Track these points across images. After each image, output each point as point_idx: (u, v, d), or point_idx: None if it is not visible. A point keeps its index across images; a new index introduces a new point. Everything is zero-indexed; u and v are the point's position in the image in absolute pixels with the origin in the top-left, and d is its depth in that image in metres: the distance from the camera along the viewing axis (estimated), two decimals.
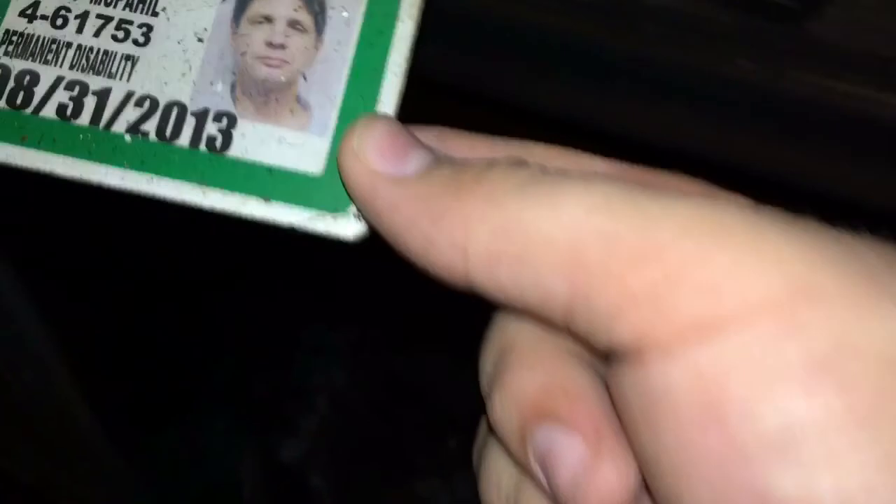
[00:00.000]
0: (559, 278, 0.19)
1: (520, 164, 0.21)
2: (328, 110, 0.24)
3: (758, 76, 0.34)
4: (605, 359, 0.21)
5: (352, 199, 0.23)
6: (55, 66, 0.25)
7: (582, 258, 0.18)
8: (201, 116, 0.24)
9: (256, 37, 0.25)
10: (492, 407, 0.22)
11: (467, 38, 0.37)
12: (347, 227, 0.24)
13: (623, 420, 0.20)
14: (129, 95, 0.24)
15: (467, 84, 0.40)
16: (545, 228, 0.19)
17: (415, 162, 0.22)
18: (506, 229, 0.19)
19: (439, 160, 0.22)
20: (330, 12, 0.25)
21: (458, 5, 0.36)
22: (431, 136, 0.25)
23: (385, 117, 0.23)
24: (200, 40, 0.25)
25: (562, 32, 0.36)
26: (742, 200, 0.24)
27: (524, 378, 0.21)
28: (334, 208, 0.24)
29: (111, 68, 0.25)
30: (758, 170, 0.37)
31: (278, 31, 0.25)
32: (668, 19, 0.34)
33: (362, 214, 0.23)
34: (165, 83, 0.25)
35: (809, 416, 0.16)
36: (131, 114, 0.24)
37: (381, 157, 0.22)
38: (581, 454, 0.20)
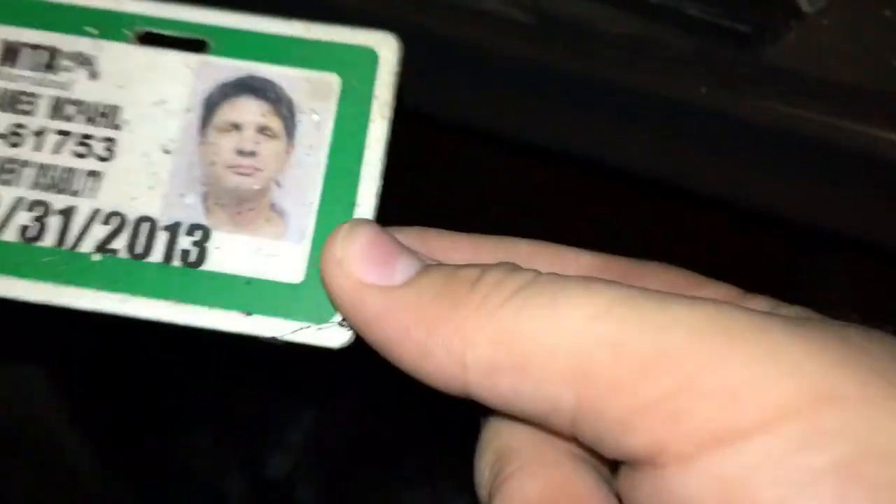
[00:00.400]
0: (564, 389, 0.18)
1: (513, 269, 0.20)
2: (305, 216, 0.24)
3: (718, 102, 0.35)
4: (612, 463, 0.20)
5: (337, 309, 0.22)
6: (15, 186, 0.24)
7: (588, 368, 0.18)
8: (173, 230, 0.23)
9: (225, 145, 0.24)
10: None
11: (436, 65, 0.37)
12: (333, 337, 0.23)
13: None
14: (95, 213, 0.23)
15: (438, 111, 0.40)
16: (547, 338, 0.19)
17: (402, 269, 0.21)
18: (505, 340, 0.19)
19: (427, 266, 0.21)
20: (300, 116, 0.25)
21: (424, 33, 0.36)
22: (413, 237, 0.24)
23: (367, 223, 0.22)
24: (167, 152, 0.24)
25: (521, 58, 0.36)
26: (733, 292, 0.24)
27: (527, 485, 0.21)
28: (318, 318, 0.23)
29: (74, 186, 0.24)
30: (726, 196, 0.38)
31: (247, 139, 0.24)
32: (628, 45, 0.35)
33: (349, 324, 0.22)
34: (133, 198, 0.24)
35: None
36: (99, 232, 0.23)
37: (366, 265, 0.21)
38: None
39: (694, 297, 0.19)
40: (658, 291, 0.19)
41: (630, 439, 0.18)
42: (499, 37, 0.36)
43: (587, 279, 0.19)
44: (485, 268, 0.21)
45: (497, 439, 0.22)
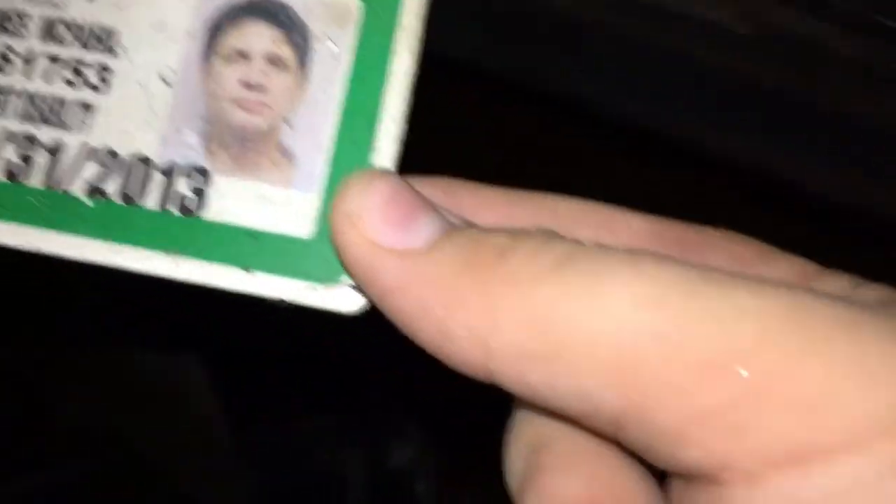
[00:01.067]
0: (606, 387, 0.16)
1: (551, 236, 0.17)
2: (316, 161, 0.21)
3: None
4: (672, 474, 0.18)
5: (348, 273, 0.20)
6: (0, 117, 0.21)
7: (635, 365, 0.15)
8: (170, 173, 0.21)
9: (231, 76, 0.22)
10: None
11: (518, 30, 0.34)
12: (345, 301, 0.21)
13: None
14: (86, 150, 0.21)
15: (518, 77, 0.37)
16: (586, 324, 0.16)
17: (424, 230, 0.18)
18: (537, 322, 0.16)
19: (453, 227, 0.19)
20: (315, 45, 0.22)
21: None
22: (437, 190, 0.22)
23: (386, 173, 0.20)
24: (167, 83, 0.22)
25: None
26: (809, 268, 0.21)
27: (564, 483, 0.19)
28: (329, 278, 0.21)
29: (65, 118, 0.21)
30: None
31: (256, 70, 0.22)
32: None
33: (363, 291, 0.20)
34: (128, 134, 0.21)
35: None
36: (90, 172, 0.21)
37: (383, 224, 0.18)
38: None
39: (764, 282, 0.16)
40: (722, 272, 0.16)
41: (686, 452, 0.15)
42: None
43: (638, 254, 0.16)
44: (517, 234, 0.18)
45: (530, 428, 0.20)
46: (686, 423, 0.15)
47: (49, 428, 0.57)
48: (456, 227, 0.19)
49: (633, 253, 0.16)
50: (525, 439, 0.20)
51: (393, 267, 0.18)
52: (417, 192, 0.19)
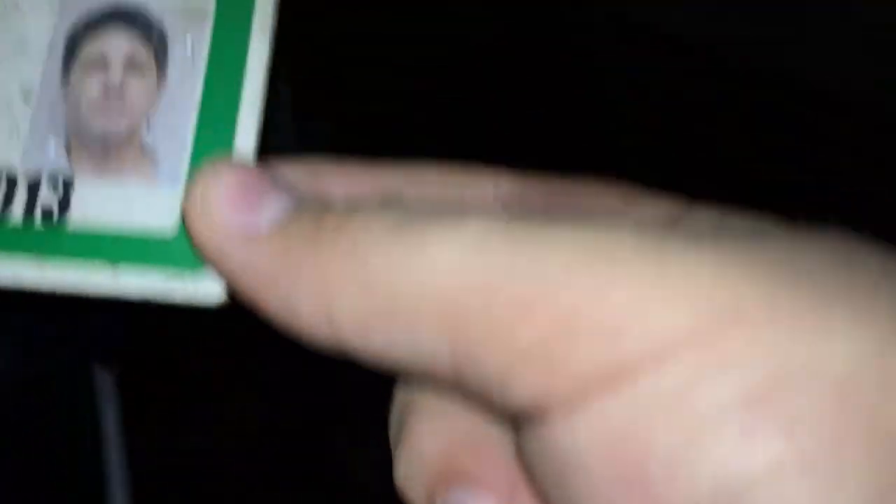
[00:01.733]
0: (438, 338, 0.16)
1: (387, 204, 0.18)
2: (178, 156, 0.21)
3: None
4: (509, 421, 0.18)
5: (205, 261, 0.20)
6: None
7: (461, 312, 0.15)
8: (34, 181, 0.21)
9: (91, 85, 0.22)
10: (396, 471, 0.19)
11: None
12: (208, 291, 0.20)
13: (535, 488, 0.17)
14: None
15: None
16: (415, 278, 0.16)
17: (269, 211, 0.18)
18: (372, 286, 0.17)
19: (301, 205, 0.19)
20: (171, 44, 0.22)
21: None
22: (301, 172, 0.21)
23: (236, 160, 0.20)
24: (28, 96, 0.22)
25: None
26: (674, 208, 0.20)
27: (428, 436, 0.19)
28: (192, 271, 0.20)
29: None
30: None
31: (114, 76, 0.22)
32: None
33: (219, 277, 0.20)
34: None
35: (753, 466, 0.13)
36: None
37: (229, 208, 0.19)
38: None
39: (581, 221, 0.16)
40: (545, 218, 0.16)
41: (511, 390, 0.15)
42: None
43: (466, 210, 0.16)
44: (354, 206, 0.18)
45: (401, 391, 0.20)
46: (509, 363, 0.15)
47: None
48: (304, 205, 0.19)
49: (460, 211, 0.16)
50: (398, 402, 0.20)
51: (240, 248, 0.18)
52: (267, 176, 0.19)
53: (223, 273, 0.19)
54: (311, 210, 0.18)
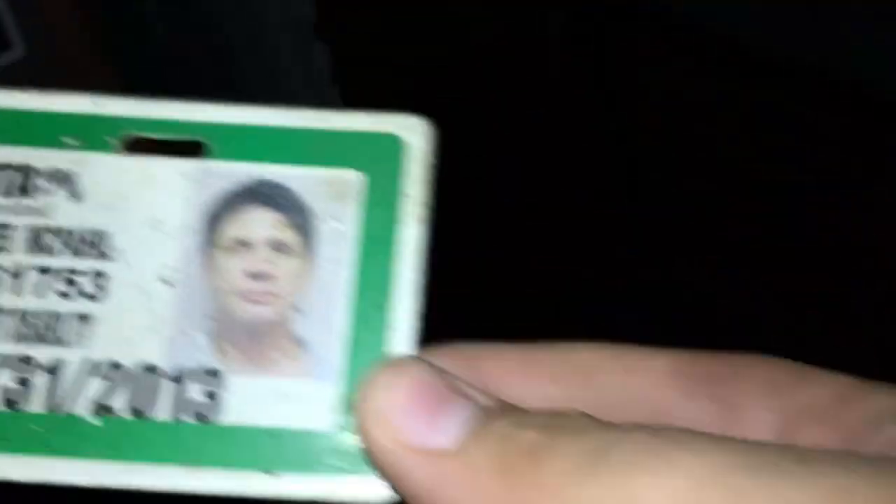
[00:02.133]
0: None
1: (582, 428, 0.17)
2: (332, 348, 0.20)
3: None
4: None
5: (377, 473, 0.19)
6: None
7: None
8: (180, 379, 0.20)
9: (234, 268, 0.21)
10: None
11: None
12: (375, 492, 0.19)
13: None
14: (87, 365, 0.20)
15: None
16: None
17: (452, 426, 0.17)
18: None
19: (482, 416, 0.18)
20: (318, 225, 0.21)
21: None
22: (457, 360, 0.21)
23: (410, 361, 0.19)
24: (167, 283, 0.20)
25: None
26: (846, 388, 0.20)
27: None
28: (356, 471, 0.19)
29: (62, 334, 0.20)
30: None
31: (260, 258, 0.21)
32: None
33: (393, 489, 0.18)
34: (132, 344, 0.20)
35: None
36: (94, 388, 0.20)
37: (409, 422, 0.18)
38: None
39: (817, 469, 0.15)
40: (768, 453, 0.15)
41: None
42: None
43: (675, 442, 0.16)
44: (549, 429, 0.17)
45: None
46: None
47: None
48: (486, 418, 0.18)
49: (669, 439, 0.16)
50: None
51: (422, 468, 0.17)
52: (444, 379, 0.18)
53: (402, 490, 0.18)
54: (496, 429, 0.17)
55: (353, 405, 0.20)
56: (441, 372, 0.19)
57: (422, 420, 0.18)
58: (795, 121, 0.68)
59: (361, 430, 0.18)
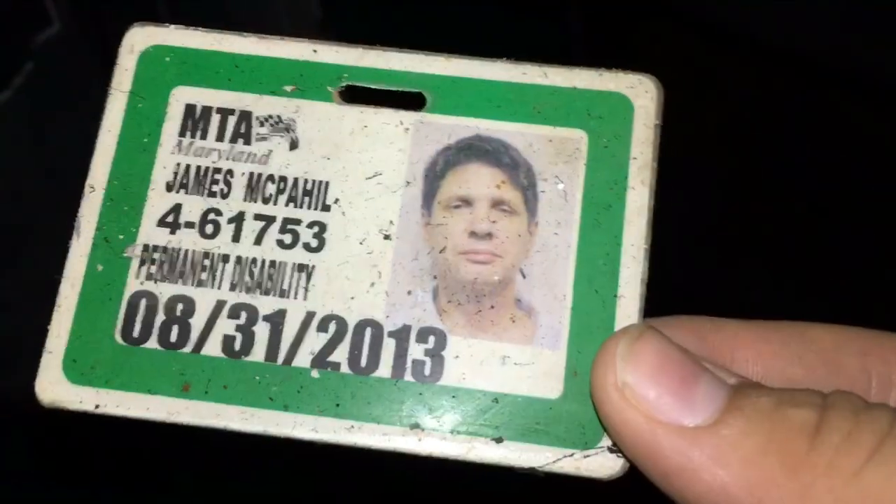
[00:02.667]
0: None
1: (861, 410, 0.16)
2: (558, 314, 0.19)
3: None
4: None
5: (619, 447, 0.18)
6: (212, 287, 0.20)
7: None
8: (402, 337, 0.19)
9: (455, 226, 0.20)
10: None
11: None
12: (603, 466, 0.19)
13: None
14: (309, 317, 0.19)
15: None
16: None
17: (705, 400, 0.17)
18: None
19: (737, 396, 0.17)
20: (541, 185, 0.20)
21: None
22: (685, 332, 0.20)
23: (652, 332, 0.18)
24: (387, 237, 0.20)
25: None
26: None
27: None
28: (583, 443, 0.19)
29: (282, 284, 0.20)
30: None
31: (481, 217, 0.20)
32: None
33: (636, 465, 0.18)
34: (352, 298, 0.20)
35: None
36: (315, 341, 0.19)
37: (659, 395, 0.17)
38: None
39: None
40: None
41: None
42: None
43: None
44: (823, 410, 0.16)
45: None
46: None
47: None
48: (739, 393, 0.17)
49: None
50: None
51: (679, 445, 0.16)
52: (685, 352, 0.17)
53: (650, 468, 0.17)
54: (758, 404, 0.16)
55: (578, 374, 0.19)
56: (682, 348, 0.18)
57: (671, 393, 0.17)
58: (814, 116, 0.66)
59: (602, 403, 0.17)
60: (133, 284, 0.20)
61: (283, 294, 0.20)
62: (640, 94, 0.20)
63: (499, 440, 0.19)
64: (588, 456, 0.19)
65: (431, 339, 0.19)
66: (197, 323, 0.19)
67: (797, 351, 0.20)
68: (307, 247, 0.20)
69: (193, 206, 0.20)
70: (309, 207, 0.20)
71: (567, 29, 0.71)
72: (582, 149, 0.20)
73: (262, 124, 0.21)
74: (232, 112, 0.21)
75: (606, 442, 0.19)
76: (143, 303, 0.20)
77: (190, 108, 0.21)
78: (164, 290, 0.20)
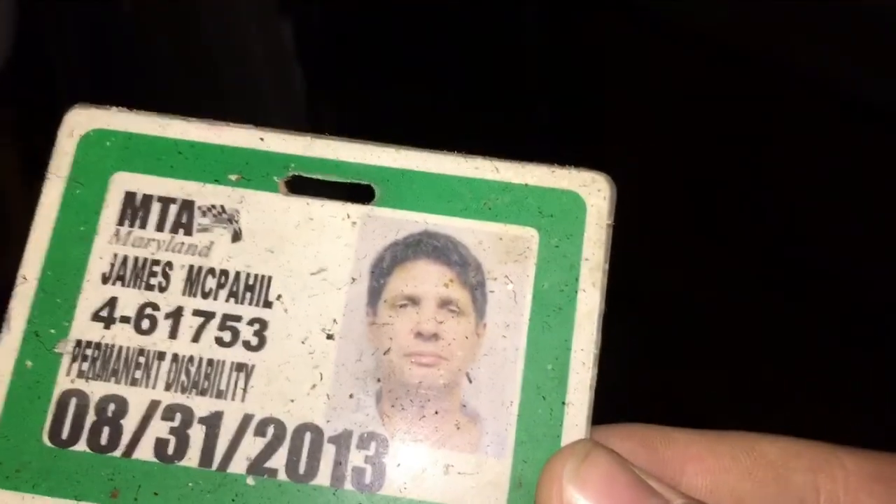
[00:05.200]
0: None
1: None
2: (504, 421, 0.19)
3: None
4: None
5: None
6: (147, 386, 0.19)
7: None
8: (342, 443, 0.19)
9: (401, 326, 0.19)
10: None
11: None
12: None
13: None
14: (246, 420, 0.19)
15: None
16: None
17: None
18: None
19: None
20: (490, 284, 0.20)
21: None
22: (634, 443, 0.19)
23: (602, 451, 0.17)
24: (330, 337, 0.19)
25: None
26: None
27: None
28: None
29: (219, 384, 0.19)
30: None
31: (428, 316, 0.19)
32: None
33: None
34: (292, 400, 0.19)
35: None
36: (252, 446, 0.19)
37: None
38: None
39: None
40: None
41: None
42: None
43: None
44: None
45: None
46: None
47: None
48: None
49: None
50: None
51: None
52: (632, 473, 0.17)
53: None
54: None
55: (522, 485, 0.18)
56: (629, 464, 0.17)
57: None
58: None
59: None
60: (63, 382, 0.19)
61: (220, 395, 0.19)
62: (593, 192, 0.20)
63: None
64: None
65: (373, 445, 0.19)
66: (129, 425, 0.19)
67: (747, 466, 0.20)
68: (247, 345, 0.19)
69: (130, 300, 0.19)
70: (250, 303, 0.19)
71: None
72: (533, 248, 0.20)
73: (204, 214, 0.20)
74: (174, 201, 0.20)
75: None
76: (73, 402, 0.19)
77: (130, 196, 0.20)
78: (96, 389, 0.19)
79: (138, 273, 0.20)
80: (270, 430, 0.19)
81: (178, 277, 0.20)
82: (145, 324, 0.19)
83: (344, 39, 0.64)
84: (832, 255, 0.63)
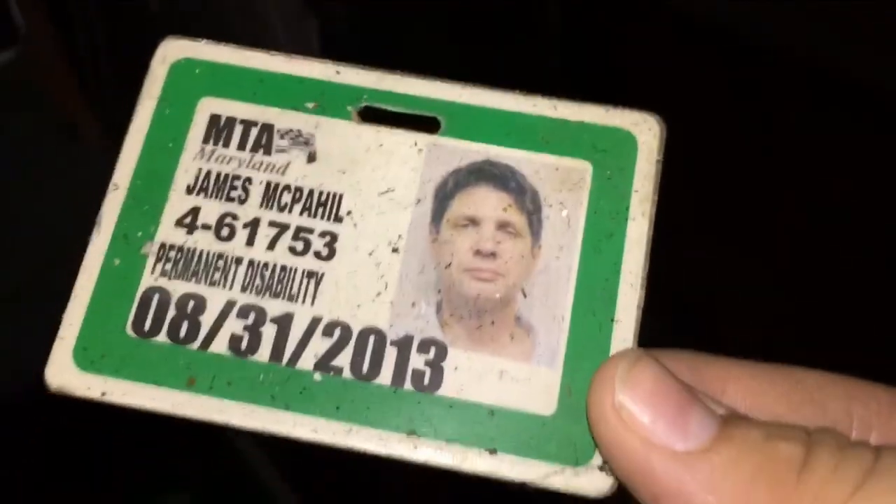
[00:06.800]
0: None
1: (845, 446, 0.16)
2: (555, 334, 0.20)
3: None
4: None
5: (610, 466, 0.18)
6: (224, 287, 0.20)
7: None
8: (404, 346, 0.20)
9: (462, 244, 0.21)
10: None
11: None
12: (593, 484, 0.19)
13: None
14: (315, 322, 0.20)
15: None
16: None
17: (699, 427, 0.17)
18: None
19: (727, 427, 0.17)
20: (546, 211, 0.21)
21: None
22: (681, 365, 0.20)
23: (649, 359, 0.18)
24: (395, 251, 0.21)
25: None
26: None
27: None
28: (574, 459, 0.19)
29: (291, 289, 0.20)
30: None
31: (487, 237, 0.21)
32: None
33: (626, 485, 0.18)
34: (358, 306, 0.20)
35: None
36: (319, 345, 0.20)
37: (655, 419, 0.17)
38: None
39: None
40: None
41: None
42: None
43: None
44: (809, 445, 0.17)
45: None
46: None
47: None
48: (730, 424, 0.17)
49: None
50: None
51: (671, 468, 0.17)
52: (679, 380, 0.18)
53: (641, 489, 0.17)
54: (748, 436, 0.17)
55: (572, 393, 0.20)
56: (676, 377, 0.18)
57: (665, 418, 0.17)
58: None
59: (598, 423, 0.18)
60: (148, 280, 0.20)
61: (291, 298, 0.20)
62: (644, 130, 0.21)
63: (493, 452, 0.19)
64: (578, 473, 0.19)
65: (433, 349, 0.20)
66: (206, 320, 0.20)
67: (785, 390, 0.21)
68: (318, 255, 0.21)
69: (211, 210, 0.21)
70: (322, 218, 0.21)
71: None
72: (586, 179, 0.21)
73: (282, 137, 0.22)
74: (255, 124, 0.22)
75: (597, 461, 0.19)
76: (155, 298, 0.20)
77: (215, 118, 0.22)
78: (177, 288, 0.20)
79: (220, 186, 0.21)
80: (337, 332, 0.20)
81: (256, 192, 0.21)
82: (225, 231, 0.21)
83: (369, 38, 0.66)
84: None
